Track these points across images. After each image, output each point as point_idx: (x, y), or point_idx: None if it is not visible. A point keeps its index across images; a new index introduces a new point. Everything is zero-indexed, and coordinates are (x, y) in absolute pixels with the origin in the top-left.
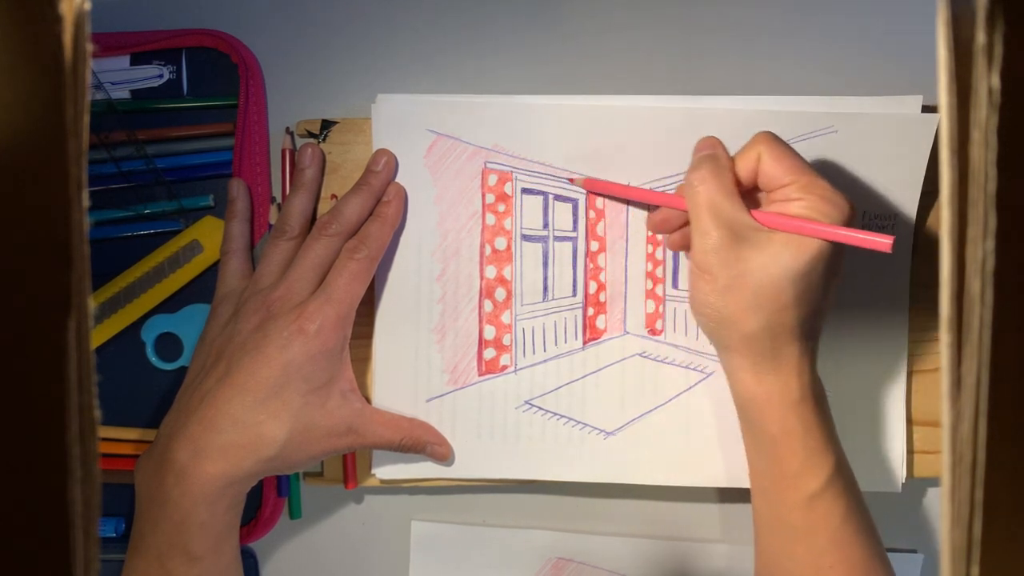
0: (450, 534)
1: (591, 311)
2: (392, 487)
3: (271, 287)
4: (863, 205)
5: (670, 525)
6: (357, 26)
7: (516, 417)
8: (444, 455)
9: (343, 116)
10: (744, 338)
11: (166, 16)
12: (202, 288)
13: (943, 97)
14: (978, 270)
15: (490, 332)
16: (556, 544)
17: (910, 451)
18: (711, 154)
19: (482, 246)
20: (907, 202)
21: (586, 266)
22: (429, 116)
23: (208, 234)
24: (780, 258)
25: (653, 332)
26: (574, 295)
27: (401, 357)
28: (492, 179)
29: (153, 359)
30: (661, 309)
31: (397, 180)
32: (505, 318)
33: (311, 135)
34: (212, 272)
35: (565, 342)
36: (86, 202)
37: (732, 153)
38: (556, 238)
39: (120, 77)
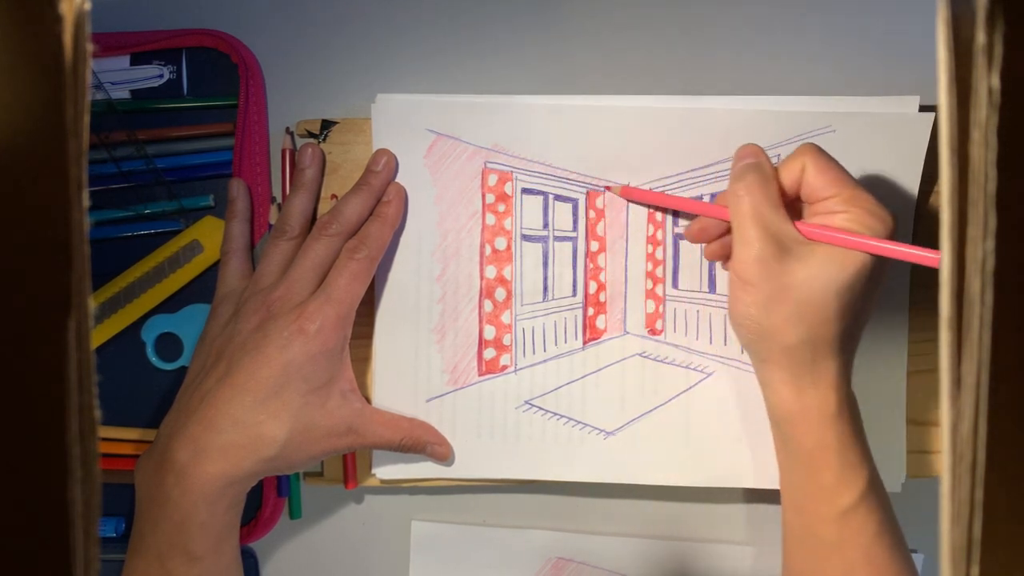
0: (450, 534)
1: (591, 311)
2: (392, 487)
3: (271, 287)
4: None
5: (670, 525)
6: (357, 26)
7: (516, 417)
8: (444, 455)
9: (343, 116)
10: (784, 351)
11: (166, 16)
12: (202, 288)
13: (943, 97)
14: (978, 270)
15: (490, 332)
16: (556, 544)
17: (910, 451)
18: (755, 163)
19: (482, 246)
20: (905, 202)
21: (586, 266)
22: (429, 116)
23: (208, 234)
24: (825, 271)
25: (653, 332)
26: (574, 295)
27: (401, 357)
28: (492, 179)
29: (153, 359)
30: (661, 309)
31: (397, 180)
32: (505, 318)
33: (311, 135)
34: (212, 272)
35: (565, 342)
36: (86, 202)
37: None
38: (556, 238)
39: (120, 77)
